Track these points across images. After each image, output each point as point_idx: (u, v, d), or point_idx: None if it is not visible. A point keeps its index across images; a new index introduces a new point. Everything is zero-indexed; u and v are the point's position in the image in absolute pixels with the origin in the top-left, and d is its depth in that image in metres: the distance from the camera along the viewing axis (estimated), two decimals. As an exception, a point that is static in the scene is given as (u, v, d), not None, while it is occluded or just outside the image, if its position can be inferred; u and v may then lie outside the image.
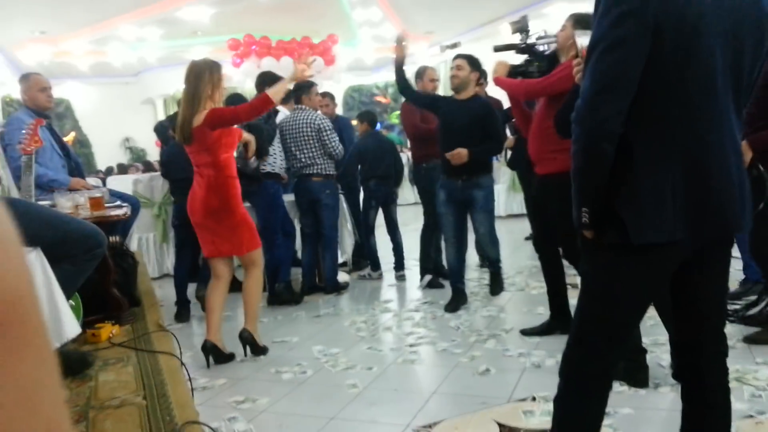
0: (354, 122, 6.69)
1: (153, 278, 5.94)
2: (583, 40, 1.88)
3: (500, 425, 2.45)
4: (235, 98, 5.20)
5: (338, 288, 4.94)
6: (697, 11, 1.37)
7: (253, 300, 3.51)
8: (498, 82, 3.44)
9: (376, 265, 5.50)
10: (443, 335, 3.72)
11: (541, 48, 3.40)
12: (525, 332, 3.52)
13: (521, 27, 3.44)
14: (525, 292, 4.68)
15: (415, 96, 4.60)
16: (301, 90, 4.85)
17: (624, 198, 1.45)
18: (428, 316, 4.14)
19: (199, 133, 3.27)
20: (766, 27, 1.48)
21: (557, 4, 10.77)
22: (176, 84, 15.23)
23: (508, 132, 5.74)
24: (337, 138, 4.80)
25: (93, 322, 3.43)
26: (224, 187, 3.36)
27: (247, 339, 3.48)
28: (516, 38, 3.45)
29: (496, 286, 4.57)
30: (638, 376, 2.69)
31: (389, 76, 17.98)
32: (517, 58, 3.51)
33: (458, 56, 4.20)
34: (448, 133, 4.18)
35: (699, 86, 1.42)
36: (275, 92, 3.34)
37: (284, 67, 12.08)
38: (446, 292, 4.70)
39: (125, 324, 3.60)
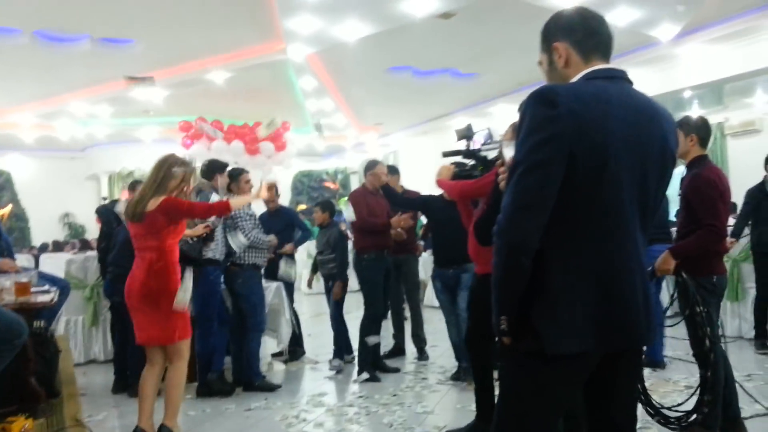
0: (299, 208, 6.80)
1: (78, 364, 5.68)
2: (508, 151, 2.01)
3: None
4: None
5: (263, 386, 4.67)
6: (607, 143, 1.51)
7: (175, 393, 3.40)
8: (439, 183, 3.71)
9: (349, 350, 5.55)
10: (376, 432, 3.65)
11: (484, 153, 3.57)
12: None
13: (466, 134, 3.64)
14: (459, 386, 4.65)
15: (405, 202, 5.22)
16: (232, 178, 4.83)
17: (539, 308, 1.53)
18: (362, 412, 4.06)
19: (151, 217, 3.33)
20: (668, 161, 1.64)
21: (499, 105, 11.36)
22: (123, 161, 15.22)
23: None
24: (251, 226, 4.69)
25: (5, 415, 3.23)
26: (165, 272, 3.35)
27: None
28: (462, 144, 3.63)
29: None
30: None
31: (339, 162, 18.35)
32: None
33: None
34: (440, 229, 4.70)
35: (607, 209, 1.54)
36: (237, 202, 3.51)
37: (234, 150, 12.22)
38: (382, 386, 4.66)
39: (40, 417, 3.40)
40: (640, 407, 2.78)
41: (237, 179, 4.85)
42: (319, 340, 6.85)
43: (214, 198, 4.47)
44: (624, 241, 1.56)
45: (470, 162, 3.56)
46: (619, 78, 1.62)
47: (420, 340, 5.77)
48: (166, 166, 3.45)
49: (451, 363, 5.40)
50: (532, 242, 1.50)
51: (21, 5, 6.96)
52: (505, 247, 1.53)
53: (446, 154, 3.64)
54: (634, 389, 1.72)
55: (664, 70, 8.73)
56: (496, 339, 1.63)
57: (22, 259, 6.45)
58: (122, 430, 3.85)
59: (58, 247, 11.28)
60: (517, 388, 1.63)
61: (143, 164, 15.02)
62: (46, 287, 4.04)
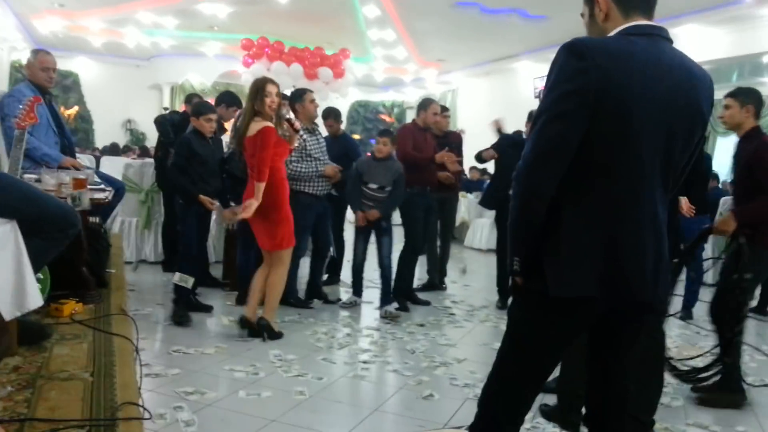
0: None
1: (130, 262, 6.03)
2: None
3: (431, 449, 2.55)
4: (225, 96, 5.40)
5: (297, 303, 4.91)
6: (632, 100, 1.51)
7: (274, 293, 3.96)
8: None
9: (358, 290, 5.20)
10: (398, 357, 3.82)
11: None
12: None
13: None
14: (485, 325, 4.79)
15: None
16: (295, 98, 4.88)
17: (548, 252, 1.59)
18: (388, 336, 4.24)
19: (249, 142, 3.79)
20: (697, 121, 1.63)
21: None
22: (186, 73, 15.47)
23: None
24: (293, 157, 4.66)
25: (58, 297, 3.52)
26: (271, 187, 3.81)
27: (263, 326, 3.91)
28: None
29: None
30: (568, 419, 2.80)
31: (396, 95, 18.23)
32: None
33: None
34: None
35: (625, 163, 1.55)
36: (257, 199, 3.77)
37: (293, 73, 12.28)
38: (411, 316, 4.82)
39: (89, 303, 3.69)
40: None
41: (301, 99, 4.86)
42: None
43: None
44: (640, 199, 1.58)
45: None
46: (657, 36, 1.59)
47: (441, 273, 6.03)
48: (261, 88, 3.81)
49: (479, 302, 5.54)
50: (548, 189, 1.55)
51: None
52: (522, 192, 1.58)
53: None
54: (636, 343, 1.76)
55: (744, 31, 8.26)
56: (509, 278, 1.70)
57: (84, 160, 6.73)
58: (164, 325, 4.13)
59: (115, 150, 11.71)
60: (521, 325, 1.72)
61: (205, 78, 15.32)
62: (102, 186, 4.27)
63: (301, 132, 4.72)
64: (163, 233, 6.00)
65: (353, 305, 5.03)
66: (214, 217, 4.91)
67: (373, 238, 5.01)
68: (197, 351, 3.60)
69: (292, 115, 4.37)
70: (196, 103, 4.72)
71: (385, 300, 4.90)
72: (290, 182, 4.71)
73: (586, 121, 1.50)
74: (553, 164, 1.54)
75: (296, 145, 4.37)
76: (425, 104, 5.38)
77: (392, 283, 4.96)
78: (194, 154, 4.22)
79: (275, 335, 3.96)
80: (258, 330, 3.92)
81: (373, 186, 4.86)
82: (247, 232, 4.27)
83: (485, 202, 5.80)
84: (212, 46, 13.91)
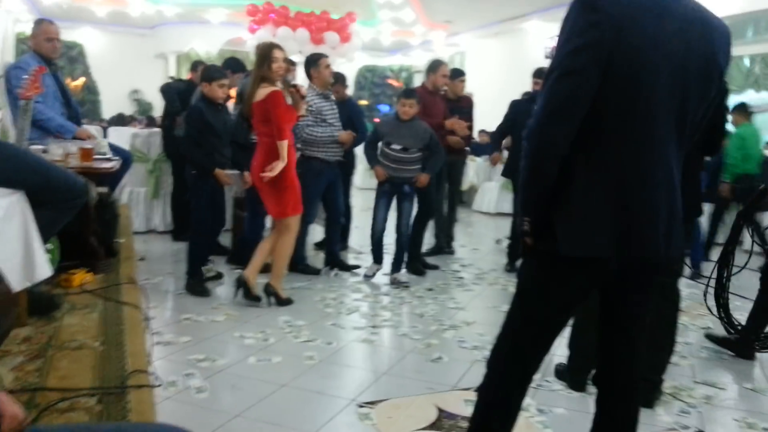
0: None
1: (139, 232, 6.06)
2: None
3: (440, 410, 2.58)
4: (230, 62, 5.34)
5: (306, 270, 4.91)
6: (646, 53, 1.46)
7: (280, 260, 3.98)
8: None
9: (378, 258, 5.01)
10: (407, 321, 3.84)
11: None
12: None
13: None
14: (493, 288, 4.80)
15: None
16: (311, 63, 4.81)
17: (560, 213, 1.56)
18: (396, 301, 4.26)
19: (258, 108, 3.77)
20: (713, 76, 1.57)
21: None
22: (191, 41, 15.33)
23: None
24: (306, 122, 4.64)
25: (68, 268, 3.56)
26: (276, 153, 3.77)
27: (270, 292, 3.97)
28: None
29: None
30: (576, 378, 2.82)
31: (404, 59, 17.98)
32: None
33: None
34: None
35: (638, 120, 1.51)
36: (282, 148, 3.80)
37: (299, 38, 12.12)
38: (419, 280, 4.83)
39: (99, 273, 3.73)
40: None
41: (317, 64, 4.79)
42: (365, 232, 7.02)
43: None
44: (653, 155, 1.55)
45: None
46: None
47: (448, 237, 6.04)
48: (268, 54, 3.76)
49: (488, 266, 5.54)
50: (560, 148, 1.51)
51: None
52: (533, 151, 1.54)
53: None
54: (647, 302, 1.75)
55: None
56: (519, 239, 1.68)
57: (92, 130, 6.72)
58: (174, 293, 4.17)
59: (122, 121, 11.69)
60: (531, 285, 1.70)
61: (210, 46, 15.18)
62: (109, 156, 4.27)
63: (315, 97, 4.72)
64: (172, 203, 6.02)
65: (375, 275, 4.89)
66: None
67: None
68: (207, 319, 3.64)
69: (298, 81, 4.32)
70: (207, 67, 4.56)
71: (396, 267, 4.83)
72: (305, 147, 4.71)
73: (599, 77, 1.46)
74: (565, 122, 1.49)
75: (308, 109, 4.36)
76: (434, 66, 5.30)
77: (405, 249, 4.87)
78: (207, 125, 4.11)
79: (284, 302, 3.98)
80: (250, 291, 3.92)
81: (397, 147, 4.60)
82: (255, 199, 4.27)
83: (507, 173, 5.69)
84: (217, 13, 13.74)
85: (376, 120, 16.96)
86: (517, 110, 5.29)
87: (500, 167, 6.19)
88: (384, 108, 17.92)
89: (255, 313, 3.82)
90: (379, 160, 4.68)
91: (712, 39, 1.55)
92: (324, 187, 4.87)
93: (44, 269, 2.46)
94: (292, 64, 5.72)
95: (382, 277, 4.97)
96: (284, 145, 3.76)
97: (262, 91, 3.75)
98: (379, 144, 4.69)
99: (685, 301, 4.55)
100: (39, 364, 2.44)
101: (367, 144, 4.80)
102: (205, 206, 4.18)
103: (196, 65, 6.00)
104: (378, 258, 4.94)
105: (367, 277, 4.84)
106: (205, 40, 15.05)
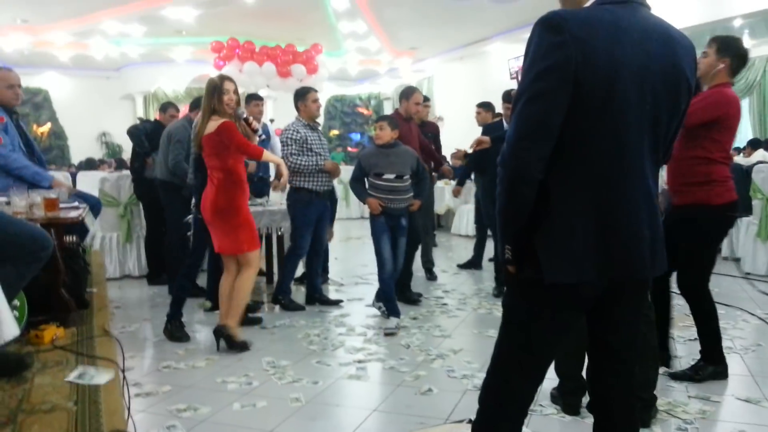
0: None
1: (113, 278, 5.91)
2: None
3: (433, 446, 2.49)
4: (198, 101, 5.28)
5: (289, 306, 4.83)
6: (615, 71, 1.44)
7: (239, 297, 3.78)
8: None
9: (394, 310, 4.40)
10: (393, 353, 3.76)
11: None
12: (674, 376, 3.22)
13: None
14: (478, 312, 4.74)
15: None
16: (299, 96, 4.82)
17: (540, 237, 1.52)
18: (381, 333, 4.17)
19: (208, 141, 3.64)
20: (682, 89, 1.56)
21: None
22: (158, 81, 15.29)
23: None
24: (287, 151, 4.66)
25: (38, 323, 3.41)
26: (231, 189, 3.70)
27: (222, 333, 3.75)
28: None
29: None
30: (569, 401, 2.76)
31: (372, 87, 18.12)
32: None
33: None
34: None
35: (612, 137, 1.49)
36: (267, 157, 3.86)
37: (266, 72, 12.14)
38: (403, 309, 4.75)
39: (70, 327, 3.58)
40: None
41: (304, 98, 4.78)
42: (345, 264, 6.99)
43: None
44: (629, 172, 1.52)
45: None
46: (634, 2, 1.52)
47: (428, 262, 6.04)
48: (218, 86, 3.67)
49: (471, 290, 5.49)
50: (535, 172, 1.48)
51: None
52: (508, 178, 1.51)
53: None
54: (637, 321, 1.71)
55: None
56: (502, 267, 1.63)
57: (60, 177, 6.58)
58: (152, 341, 4.04)
59: (93, 165, 11.52)
60: (518, 317, 1.64)
61: (177, 85, 15.13)
62: (76, 203, 4.16)
63: (301, 127, 4.73)
64: (146, 246, 5.89)
65: (397, 330, 4.20)
66: None
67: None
68: (188, 365, 3.52)
69: (249, 115, 4.22)
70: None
71: (394, 310, 4.35)
72: (292, 177, 4.67)
73: (568, 97, 1.43)
74: (538, 146, 1.46)
75: (290, 138, 4.52)
76: (407, 93, 5.28)
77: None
78: None
79: (237, 345, 3.74)
80: (233, 339, 3.75)
81: (390, 176, 4.31)
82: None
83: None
84: (182, 52, 13.73)
85: (352, 150, 17.09)
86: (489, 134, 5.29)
87: (474, 189, 6.19)
88: (356, 137, 17.98)
89: (236, 356, 3.70)
90: (371, 194, 4.40)
91: (675, 51, 1.54)
92: (315, 218, 4.81)
93: (11, 329, 2.35)
94: (259, 99, 5.70)
95: (364, 309, 4.89)
96: (267, 154, 3.79)
97: (213, 124, 3.63)
98: (367, 179, 4.47)
99: (671, 313, 4.56)
100: (9, 431, 2.30)
101: (352, 180, 4.53)
102: (202, 244, 4.09)
103: (165, 107, 5.93)
104: (394, 310, 4.34)
105: (389, 333, 4.13)
106: (171, 79, 15.02)
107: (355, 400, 3.11)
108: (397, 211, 4.38)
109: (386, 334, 4.13)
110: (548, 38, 1.43)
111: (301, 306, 4.83)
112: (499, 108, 5.89)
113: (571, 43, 1.41)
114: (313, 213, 4.76)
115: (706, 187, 3.01)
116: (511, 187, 1.51)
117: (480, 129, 5.76)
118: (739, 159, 7.67)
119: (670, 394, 3.00)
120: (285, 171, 3.88)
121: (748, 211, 5.95)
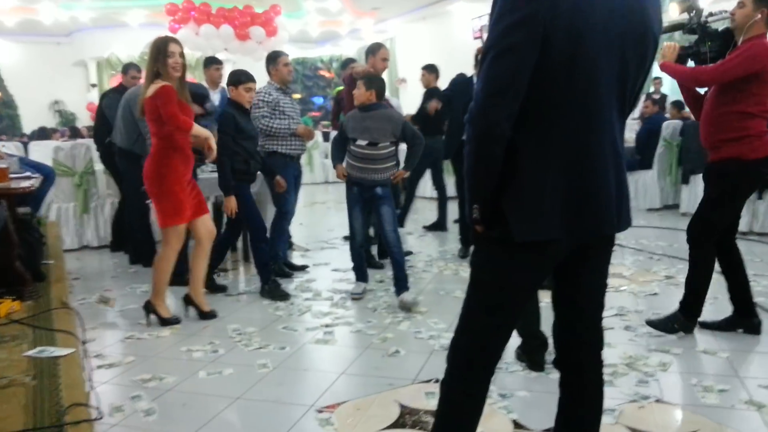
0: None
1: (71, 250, 5.77)
2: None
3: (402, 406, 2.51)
4: None
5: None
6: (583, 24, 1.41)
7: (157, 275, 3.60)
8: (664, 67, 3.18)
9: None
10: (360, 316, 3.76)
11: (713, 27, 3.15)
12: (704, 325, 3.28)
13: (690, 5, 3.14)
14: (444, 274, 4.77)
15: None
16: (270, 61, 4.69)
17: (509, 197, 1.50)
18: (348, 297, 4.16)
19: (148, 105, 3.43)
20: (649, 43, 1.54)
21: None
22: (111, 46, 14.76)
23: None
24: (258, 113, 4.55)
25: (-8, 298, 3.31)
26: (160, 157, 3.47)
27: (150, 309, 3.64)
28: (683, 17, 3.18)
29: None
30: (534, 359, 2.80)
31: (334, 50, 17.82)
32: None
33: None
34: None
35: (581, 93, 1.47)
36: (197, 131, 3.53)
37: (224, 35, 11.80)
38: (369, 273, 4.72)
39: (27, 300, 3.49)
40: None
41: (275, 62, 4.66)
42: (310, 229, 6.95)
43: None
44: (597, 129, 1.51)
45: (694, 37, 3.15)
46: None
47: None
48: (163, 48, 3.43)
49: (436, 252, 5.52)
50: (504, 130, 1.45)
51: None
52: (477, 136, 1.48)
53: (666, 30, 3.10)
54: (603, 278, 1.72)
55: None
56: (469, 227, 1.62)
57: (11, 147, 6.36)
58: (114, 312, 3.96)
59: (45, 134, 11.15)
60: (486, 275, 1.63)
61: (131, 50, 14.63)
62: (28, 174, 4.00)
63: (273, 91, 4.62)
64: (116, 215, 5.75)
65: (363, 294, 4.19)
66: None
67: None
68: (152, 335, 3.47)
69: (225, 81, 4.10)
70: (234, 72, 4.18)
71: (401, 286, 3.97)
72: (264, 141, 4.58)
73: (536, 53, 1.40)
74: (507, 102, 1.43)
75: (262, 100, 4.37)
76: (374, 49, 5.13)
77: (404, 263, 4.07)
78: (241, 131, 3.99)
79: (165, 321, 3.63)
80: (200, 309, 3.75)
81: (362, 143, 3.90)
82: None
83: (447, 155, 5.54)
84: (135, 15, 13.26)
85: (315, 114, 16.85)
86: (455, 90, 5.24)
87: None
88: (318, 100, 17.73)
89: (201, 324, 3.66)
90: (344, 159, 4.07)
91: (645, 7, 1.51)
92: (293, 180, 4.72)
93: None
94: (219, 63, 5.53)
95: (330, 273, 4.87)
96: (197, 128, 3.51)
97: (153, 87, 3.41)
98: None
99: (631, 269, 4.65)
100: (-36, 408, 2.24)
101: (333, 141, 4.24)
102: (255, 212, 4.07)
103: (127, 68, 5.66)
104: (362, 275, 4.25)
105: (356, 298, 4.11)
106: (125, 44, 14.50)
107: (323, 364, 3.10)
108: (369, 182, 3.95)
109: (353, 299, 4.12)
110: None
111: (286, 294, 4.23)
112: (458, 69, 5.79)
113: None
114: (290, 175, 4.69)
115: (741, 141, 2.97)
116: (480, 145, 1.48)
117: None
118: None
119: (630, 347, 3.07)
120: (213, 146, 3.61)
121: None
